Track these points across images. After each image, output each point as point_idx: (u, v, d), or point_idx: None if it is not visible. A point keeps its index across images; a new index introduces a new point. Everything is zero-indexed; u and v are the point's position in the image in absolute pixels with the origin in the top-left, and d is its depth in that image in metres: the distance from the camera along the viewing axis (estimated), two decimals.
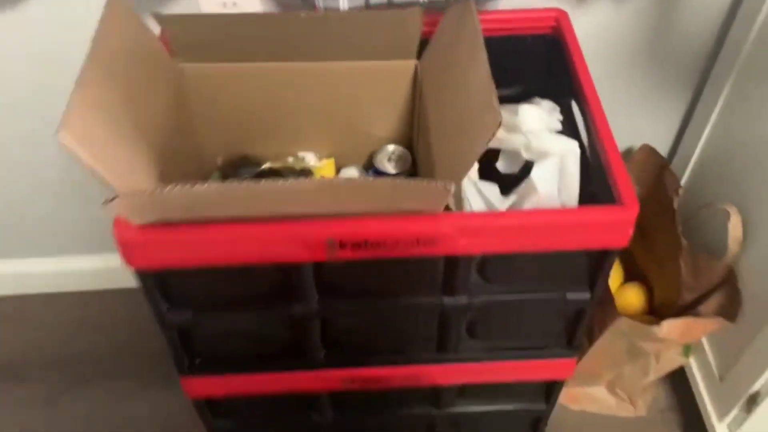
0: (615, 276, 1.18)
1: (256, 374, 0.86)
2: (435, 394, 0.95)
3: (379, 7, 0.77)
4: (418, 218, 0.66)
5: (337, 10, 0.75)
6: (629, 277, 1.18)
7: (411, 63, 0.86)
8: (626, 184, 0.69)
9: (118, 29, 0.73)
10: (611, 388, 1.13)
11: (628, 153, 1.10)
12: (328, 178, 0.61)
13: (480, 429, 1.04)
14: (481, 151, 0.62)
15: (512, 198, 0.71)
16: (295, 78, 0.87)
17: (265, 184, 0.59)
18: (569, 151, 0.70)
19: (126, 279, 1.23)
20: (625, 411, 1.14)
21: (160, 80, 0.80)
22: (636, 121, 1.07)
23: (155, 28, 0.79)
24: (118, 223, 0.65)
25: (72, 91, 0.63)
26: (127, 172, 0.66)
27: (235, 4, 0.86)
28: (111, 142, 0.65)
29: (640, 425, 1.12)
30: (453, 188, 0.59)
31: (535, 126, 0.73)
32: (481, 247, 0.69)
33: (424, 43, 0.84)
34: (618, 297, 1.13)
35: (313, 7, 0.75)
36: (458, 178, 0.62)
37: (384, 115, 0.91)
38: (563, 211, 0.70)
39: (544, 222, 0.67)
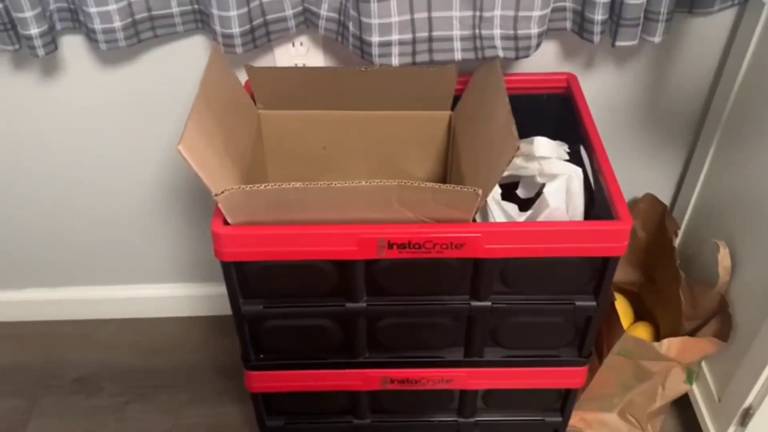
0: (625, 317, 1.31)
1: (308, 371, 1.01)
2: (461, 402, 1.07)
3: (422, 64, 0.96)
4: (452, 225, 0.83)
5: (390, 66, 0.95)
6: (638, 317, 1.31)
7: (446, 114, 1.05)
8: (622, 204, 0.85)
9: (217, 78, 0.93)
10: (623, 415, 1.24)
11: (633, 202, 1.26)
12: (383, 182, 0.78)
13: None
14: (503, 168, 0.78)
15: (528, 213, 0.87)
16: (349, 124, 1.06)
17: (332, 184, 0.76)
18: (574, 173, 0.87)
19: (181, 308, 1.41)
20: None
21: (245, 122, 0.99)
22: (639, 173, 1.23)
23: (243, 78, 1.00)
24: (216, 220, 0.82)
25: (187, 119, 0.81)
26: (220, 182, 0.83)
27: (304, 64, 1.06)
28: (211, 158, 0.84)
29: None
30: (481, 193, 0.75)
31: (547, 153, 0.90)
32: (502, 252, 0.85)
33: (456, 99, 1.03)
34: None
35: (371, 63, 0.94)
36: (485, 188, 0.78)
37: (422, 157, 1.09)
38: (570, 223, 0.87)
39: (554, 230, 0.83)
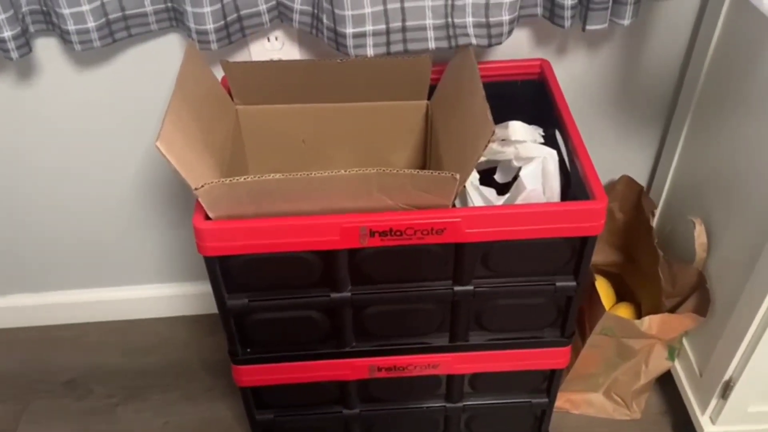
0: (607, 298, 1.33)
1: (296, 363, 1.02)
2: (448, 387, 1.09)
3: (397, 54, 0.98)
4: (432, 210, 0.84)
5: (365, 56, 0.96)
6: (620, 298, 1.33)
7: (423, 103, 1.06)
8: (597, 184, 0.86)
9: (193, 75, 0.93)
10: (608, 394, 1.26)
11: (610, 185, 1.27)
12: (362, 170, 0.79)
13: (489, 426, 1.17)
14: (480, 152, 0.80)
15: (506, 196, 0.88)
16: (327, 117, 1.06)
17: (312, 174, 0.77)
18: (549, 155, 0.88)
19: (168, 308, 1.41)
20: (621, 414, 1.26)
21: (223, 117, 1.00)
22: (615, 156, 1.25)
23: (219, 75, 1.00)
24: (197, 215, 0.83)
25: (164, 116, 0.82)
26: (199, 177, 0.84)
27: (280, 59, 1.07)
28: (189, 154, 0.84)
29: (635, 427, 1.25)
30: (458, 178, 0.76)
31: (522, 137, 0.92)
32: (482, 236, 0.86)
33: (432, 89, 1.05)
34: None
35: (346, 54, 0.95)
36: (463, 173, 0.80)
37: (401, 147, 1.10)
38: (547, 204, 0.88)
39: (531, 212, 0.85)
